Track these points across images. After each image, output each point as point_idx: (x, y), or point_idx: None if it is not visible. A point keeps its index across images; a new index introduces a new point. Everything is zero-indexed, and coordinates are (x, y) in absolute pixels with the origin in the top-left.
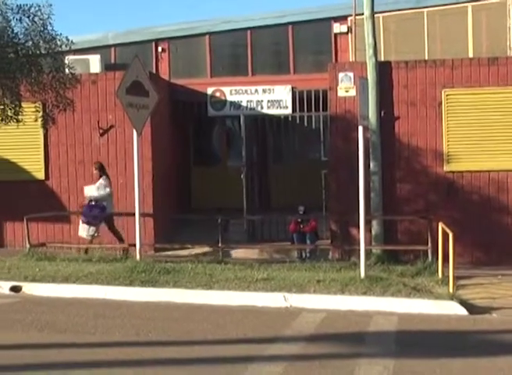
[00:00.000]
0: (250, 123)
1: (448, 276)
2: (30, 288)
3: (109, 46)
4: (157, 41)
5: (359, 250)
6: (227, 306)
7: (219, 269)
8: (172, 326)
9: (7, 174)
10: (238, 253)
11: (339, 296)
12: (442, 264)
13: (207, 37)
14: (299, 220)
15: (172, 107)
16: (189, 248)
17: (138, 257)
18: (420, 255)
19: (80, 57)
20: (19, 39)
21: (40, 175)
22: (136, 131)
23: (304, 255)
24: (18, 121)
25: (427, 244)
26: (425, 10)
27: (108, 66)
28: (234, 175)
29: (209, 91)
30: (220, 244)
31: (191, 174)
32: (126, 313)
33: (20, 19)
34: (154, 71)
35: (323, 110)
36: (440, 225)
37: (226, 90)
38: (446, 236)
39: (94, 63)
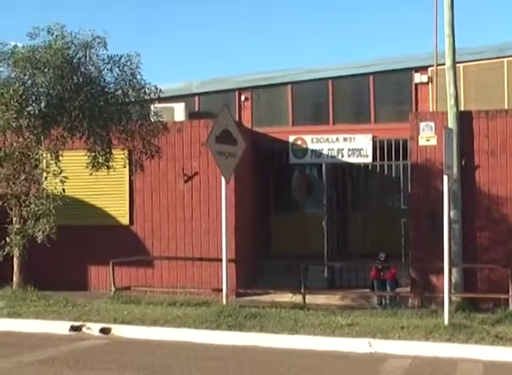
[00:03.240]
0: (330, 171)
1: None
2: (120, 330)
3: (193, 95)
4: (240, 90)
5: (439, 297)
6: (313, 351)
7: (303, 314)
8: (264, 370)
9: (93, 219)
10: (319, 299)
11: (424, 342)
12: None
13: (289, 86)
14: (379, 267)
15: (255, 154)
16: (271, 294)
17: (224, 301)
18: (500, 303)
19: (166, 105)
20: (110, 88)
21: (125, 220)
22: (225, 179)
23: (384, 301)
24: (108, 168)
25: (507, 292)
26: (506, 60)
27: (192, 114)
28: (314, 222)
29: (291, 139)
30: (302, 290)
31: (271, 221)
32: (216, 356)
33: (111, 69)
34: (237, 119)
35: (403, 159)
36: None
37: (308, 138)
38: None
39: (179, 111)
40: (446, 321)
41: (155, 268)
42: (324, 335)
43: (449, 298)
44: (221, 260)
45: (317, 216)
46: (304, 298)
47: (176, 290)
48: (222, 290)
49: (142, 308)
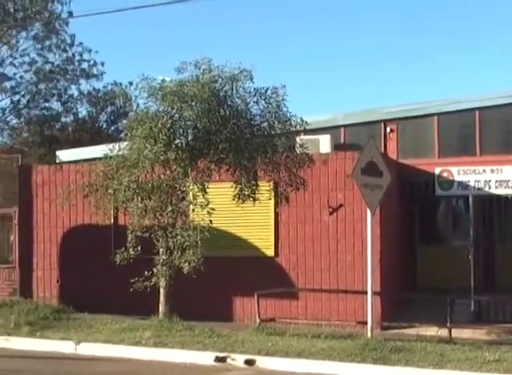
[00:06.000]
0: (477, 203)
1: None
2: (264, 362)
3: (339, 126)
4: (385, 122)
5: None
6: None
7: (449, 349)
8: None
9: (238, 250)
10: (464, 333)
11: None
12: None
13: (435, 117)
14: None
15: (400, 186)
16: (416, 327)
17: (369, 334)
18: None
19: (311, 137)
20: (256, 120)
21: (270, 252)
22: (371, 211)
23: None
24: (254, 200)
25: None
26: None
27: (337, 146)
28: (460, 254)
29: (437, 170)
30: (449, 324)
31: (417, 253)
32: None
33: (257, 102)
34: (382, 151)
35: None
36: None
37: (454, 170)
38: None
39: (324, 143)
40: None
41: (300, 300)
42: (470, 370)
43: None
44: (366, 292)
45: (463, 249)
46: (450, 332)
47: (320, 322)
48: (366, 322)
49: (286, 340)
